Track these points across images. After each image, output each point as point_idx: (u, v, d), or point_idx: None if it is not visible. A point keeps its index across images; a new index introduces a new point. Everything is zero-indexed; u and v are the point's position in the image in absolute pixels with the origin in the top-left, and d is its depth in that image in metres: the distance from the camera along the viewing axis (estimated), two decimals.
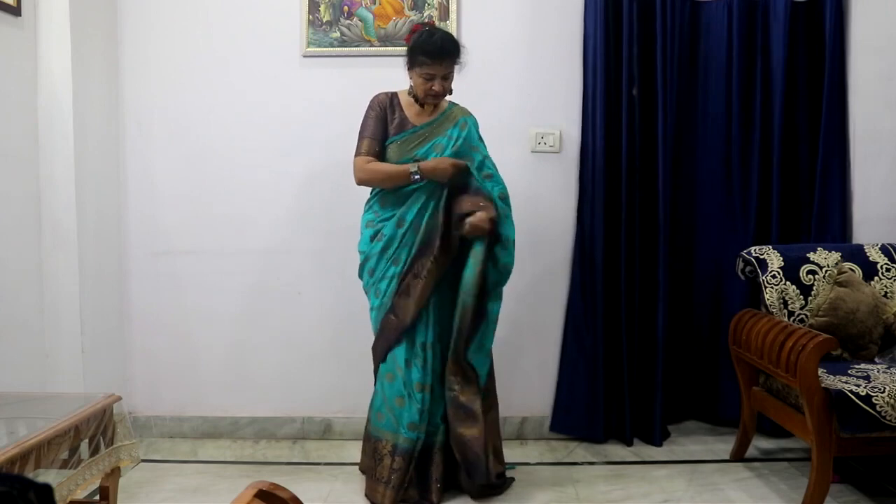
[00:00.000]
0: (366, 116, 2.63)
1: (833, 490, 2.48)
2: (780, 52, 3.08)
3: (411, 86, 2.62)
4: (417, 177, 2.53)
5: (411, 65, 2.57)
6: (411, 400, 2.54)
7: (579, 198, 3.15)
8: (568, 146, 3.17)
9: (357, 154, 2.60)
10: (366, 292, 2.67)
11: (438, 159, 2.56)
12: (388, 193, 2.61)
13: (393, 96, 2.65)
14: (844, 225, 3.12)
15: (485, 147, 2.69)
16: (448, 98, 2.66)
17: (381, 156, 2.60)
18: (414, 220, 2.56)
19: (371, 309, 2.64)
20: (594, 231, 3.10)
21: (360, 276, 2.67)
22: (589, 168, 3.11)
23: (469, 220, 2.51)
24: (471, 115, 2.70)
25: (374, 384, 2.67)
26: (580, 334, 3.14)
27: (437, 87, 2.55)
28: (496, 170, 2.66)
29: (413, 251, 2.55)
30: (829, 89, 3.09)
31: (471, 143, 2.64)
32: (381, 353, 2.62)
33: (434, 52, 2.51)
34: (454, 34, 3.10)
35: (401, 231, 2.56)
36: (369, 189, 2.67)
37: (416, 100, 2.62)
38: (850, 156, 3.14)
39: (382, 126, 2.61)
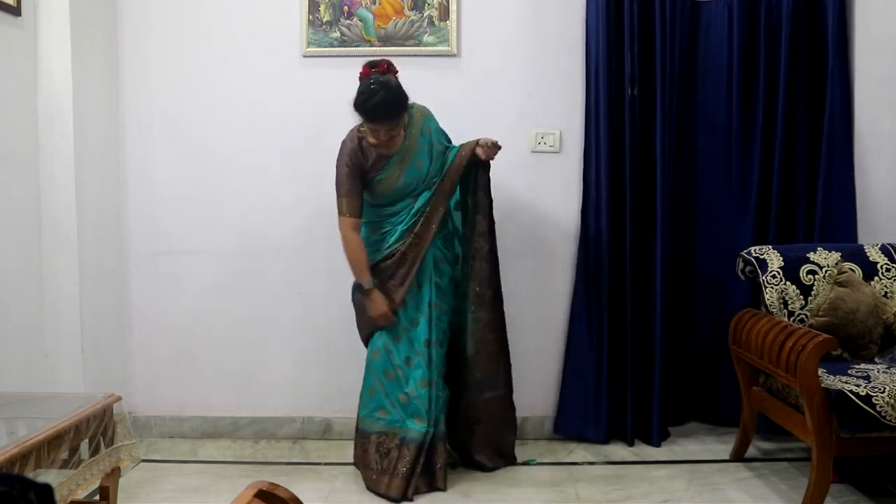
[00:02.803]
0: (340, 168, 2.67)
1: (833, 490, 2.48)
2: (781, 51, 3.07)
3: None
4: (366, 288, 2.67)
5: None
6: (417, 396, 2.63)
7: (583, 198, 3.15)
8: (568, 146, 3.17)
9: (341, 213, 2.67)
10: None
11: (382, 305, 2.66)
12: (372, 231, 2.74)
13: (360, 139, 2.66)
14: (850, 225, 3.11)
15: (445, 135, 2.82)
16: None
17: (361, 208, 2.68)
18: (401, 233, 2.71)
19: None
20: (599, 231, 3.10)
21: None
22: (592, 168, 3.11)
23: (480, 143, 2.69)
24: (427, 112, 2.75)
25: (364, 378, 2.76)
26: (584, 335, 3.14)
27: (382, 136, 2.58)
28: None
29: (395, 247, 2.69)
30: (832, 89, 3.08)
31: (441, 140, 2.76)
32: (368, 334, 2.76)
33: (372, 115, 2.54)
34: (454, 34, 3.12)
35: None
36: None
37: None
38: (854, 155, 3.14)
39: (358, 178, 2.66)
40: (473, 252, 2.75)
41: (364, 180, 2.67)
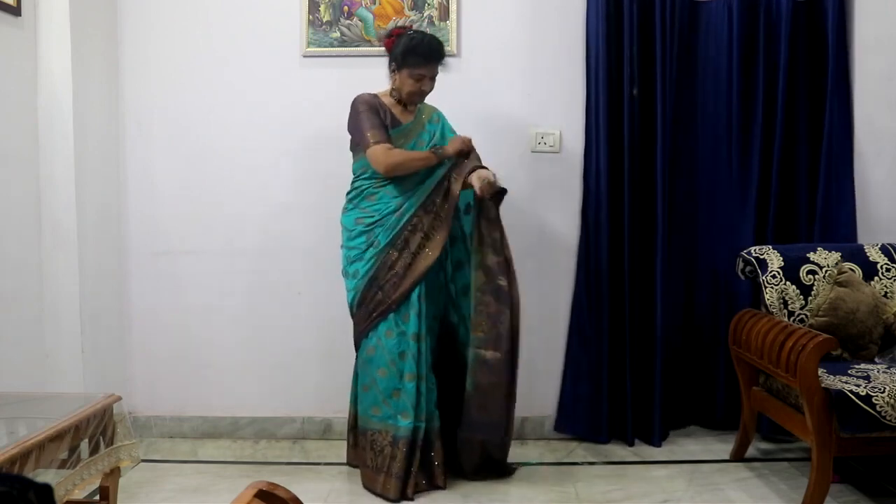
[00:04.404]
0: (358, 113, 2.68)
1: (833, 490, 2.48)
2: (781, 51, 3.07)
3: (393, 88, 2.73)
4: (439, 154, 2.70)
5: (400, 67, 2.67)
6: (404, 390, 2.62)
7: (583, 198, 3.15)
8: (568, 146, 3.17)
9: (369, 145, 2.62)
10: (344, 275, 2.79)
11: (457, 142, 2.73)
12: (374, 191, 2.70)
13: (375, 97, 2.72)
14: (849, 225, 3.11)
15: (454, 131, 2.85)
16: None
17: (389, 138, 2.66)
18: (400, 207, 2.69)
19: (348, 291, 2.76)
20: (599, 231, 3.10)
21: (343, 272, 2.79)
22: (593, 168, 3.11)
23: (478, 175, 2.61)
24: (437, 109, 2.85)
25: (355, 377, 2.78)
26: (585, 334, 3.14)
27: (426, 86, 2.69)
28: None
29: (395, 232, 2.66)
30: (833, 89, 3.08)
31: (444, 134, 2.81)
32: (362, 331, 2.70)
33: (428, 54, 2.65)
34: (454, 34, 3.13)
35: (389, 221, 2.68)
36: (354, 186, 2.76)
37: (399, 101, 2.73)
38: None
39: (378, 116, 2.68)
40: (481, 285, 2.64)
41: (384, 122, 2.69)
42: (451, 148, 2.71)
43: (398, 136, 2.71)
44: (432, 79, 2.69)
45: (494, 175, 2.63)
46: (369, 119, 2.65)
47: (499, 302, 2.63)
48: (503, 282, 2.64)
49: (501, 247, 2.67)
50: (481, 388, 2.65)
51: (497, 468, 2.78)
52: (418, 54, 2.63)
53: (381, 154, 2.61)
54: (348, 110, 2.72)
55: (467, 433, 2.70)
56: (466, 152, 2.72)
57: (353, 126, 2.70)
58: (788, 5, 3.06)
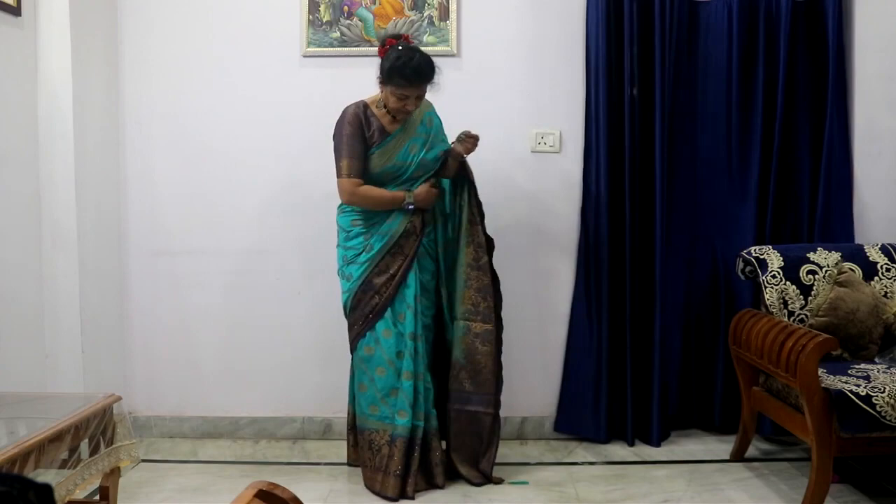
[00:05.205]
0: (340, 133, 2.66)
1: (833, 490, 2.48)
2: (780, 51, 3.07)
3: (382, 97, 2.68)
4: (412, 206, 2.66)
5: (386, 83, 2.61)
6: (402, 389, 2.62)
7: (583, 198, 3.15)
8: (568, 146, 3.17)
9: (340, 175, 2.65)
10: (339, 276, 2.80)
11: (427, 190, 2.69)
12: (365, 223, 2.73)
13: (365, 107, 2.69)
14: (847, 225, 3.11)
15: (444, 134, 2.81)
16: None
17: (364, 173, 2.65)
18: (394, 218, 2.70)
19: (342, 292, 2.76)
20: (599, 231, 3.11)
21: (339, 271, 2.80)
22: (592, 168, 3.11)
23: (458, 139, 2.69)
24: (431, 106, 2.79)
25: (351, 377, 2.78)
26: (585, 335, 3.14)
27: (410, 106, 2.62)
28: None
29: (387, 240, 2.67)
30: (833, 89, 3.08)
31: (438, 136, 2.77)
32: (358, 331, 2.70)
33: (412, 77, 2.56)
34: (454, 34, 3.12)
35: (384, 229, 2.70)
36: None
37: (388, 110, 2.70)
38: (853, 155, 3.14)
39: (360, 142, 2.65)
40: (471, 261, 2.73)
41: (364, 146, 2.66)
42: (420, 197, 2.68)
43: (386, 149, 2.67)
44: (419, 97, 2.63)
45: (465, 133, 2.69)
46: (348, 146, 2.63)
47: (485, 277, 2.72)
48: (487, 258, 2.74)
49: (483, 223, 2.76)
50: (473, 359, 2.70)
51: (481, 458, 2.74)
52: (403, 76, 2.55)
53: (348, 190, 2.64)
54: None
55: (458, 405, 2.71)
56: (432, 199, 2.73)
57: (334, 146, 2.68)
58: (788, 5, 3.06)
